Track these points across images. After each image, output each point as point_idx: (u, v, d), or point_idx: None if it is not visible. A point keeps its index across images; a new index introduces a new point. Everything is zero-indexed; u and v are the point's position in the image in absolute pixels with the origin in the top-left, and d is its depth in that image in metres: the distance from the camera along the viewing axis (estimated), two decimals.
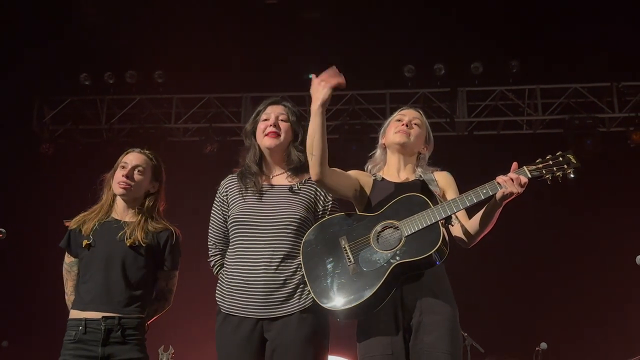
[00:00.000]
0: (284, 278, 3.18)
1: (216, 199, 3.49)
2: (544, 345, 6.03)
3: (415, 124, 3.39)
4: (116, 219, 3.50)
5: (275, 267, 3.19)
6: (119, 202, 3.54)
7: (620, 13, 7.55)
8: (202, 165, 8.37)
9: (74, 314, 3.35)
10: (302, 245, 3.20)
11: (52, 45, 7.73)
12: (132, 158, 3.55)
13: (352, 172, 3.38)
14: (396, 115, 3.48)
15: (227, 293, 3.27)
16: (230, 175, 3.51)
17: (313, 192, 3.38)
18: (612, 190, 7.67)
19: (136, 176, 3.51)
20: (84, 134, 8.98)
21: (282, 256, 3.20)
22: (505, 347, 6.80)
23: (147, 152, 3.64)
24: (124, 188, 3.47)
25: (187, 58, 8.20)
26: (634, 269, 4.06)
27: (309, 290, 3.13)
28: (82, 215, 3.53)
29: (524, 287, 7.83)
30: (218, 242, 3.45)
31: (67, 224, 3.52)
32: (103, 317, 3.27)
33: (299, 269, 3.19)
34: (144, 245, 3.41)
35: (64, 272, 3.52)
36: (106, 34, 7.71)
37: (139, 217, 3.50)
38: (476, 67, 8.35)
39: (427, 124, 3.49)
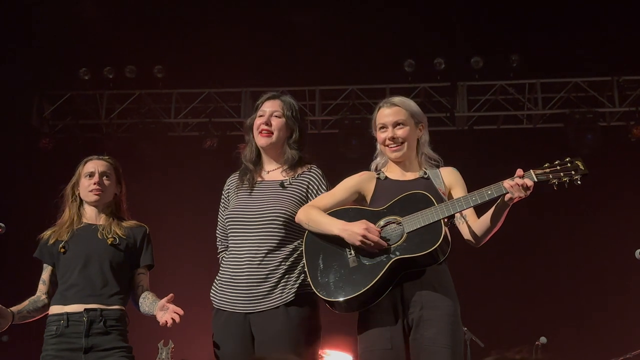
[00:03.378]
0: (267, 272, 3.21)
1: (222, 196, 3.56)
2: (543, 339, 6.03)
3: (399, 125, 3.28)
4: (90, 224, 3.56)
5: (258, 262, 3.22)
6: (89, 210, 3.60)
7: (621, 7, 7.53)
8: (201, 160, 8.37)
9: (55, 309, 3.38)
10: (304, 236, 3.23)
11: (51, 39, 7.71)
12: (96, 166, 3.60)
13: (352, 183, 3.35)
14: (377, 119, 3.35)
15: (218, 288, 3.34)
16: (234, 173, 3.57)
17: (305, 187, 3.40)
18: (612, 184, 7.67)
19: (105, 182, 3.58)
20: (83, 129, 8.96)
21: (266, 251, 3.23)
22: (505, 342, 6.80)
23: (106, 157, 3.71)
24: (97, 194, 3.54)
25: (187, 53, 8.19)
26: (634, 263, 4.06)
27: (292, 283, 3.19)
28: (51, 229, 3.59)
29: (524, 281, 7.84)
30: (223, 239, 3.52)
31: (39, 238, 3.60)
32: (85, 309, 3.31)
33: (282, 263, 3.23)
34: (123, 238, 3.48)
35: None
36: (105, 28, 7.69)
37: (111, 218, 3.58)
38: (476, 61, 8.33)
39: (410, 107, 3.34)
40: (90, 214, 3.59)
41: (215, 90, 8.90)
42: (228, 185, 3.55)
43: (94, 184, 3.53)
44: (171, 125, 9.01)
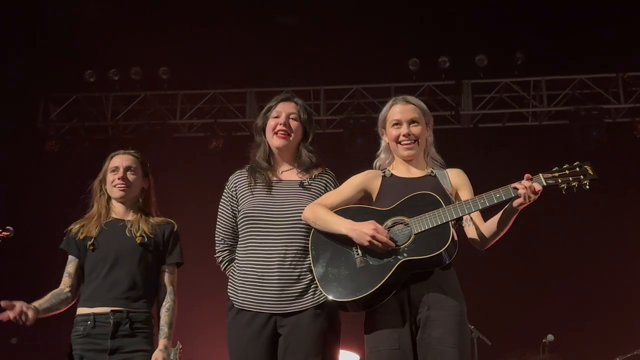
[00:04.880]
0: (298, 273, 3.19)
1: (224, 194, 3.49)
2: (550, 337, 6.03)
3: (414, 123, 3.28)
4: (118, 219, 3.55)
5: (289, 262, 3.19)
6: (117, 205, 3.60)
7: (625, 3, 7.52)
8: (207, 160, 8.40)
9: (82, 310, 3.38)
10: (311, 235, 3.21)
11: (56, 42, 7.74)
12: (121, 160, 3.60)
13: (358, 181, 3.33)
14: (390, 115, 3.34)
15: (239, 288, 3.27)
16: (239, 171, 3.51)
17: (323, 187, 3.39)
18: (618, 181, 7.65)
19: (130, 176, 3.57)
20: (89, 131, 8.99)
21: (295, 251, 3.21)
22: (512, 339, 6.80)
23: (132, 151, 3.70)
24: (122, 190, 3.53)
25: (191, 54, 8.21)
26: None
27: None
28: (79, 222, 3.57)
29: (531, 279, 7.83)
30: (227, 238, 3.45)
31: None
32: (112, 310, 3.31)
33: None
34: (151, 237, 3.46)
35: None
36: (110, 30, 7.72)
37: (139, 214, 3.57)
38: (481, 59, 8.32)
39: (422, 106, 3.36)
40: (118, 210, 3.58)
41: (220, 91, 8.92)
42: (234, 183, 3.46)
43: (118, 179, 3.53)
44: (176, 127, 9.03)
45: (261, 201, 3.32)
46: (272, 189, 3.35)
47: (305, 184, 3.36)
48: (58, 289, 3.49)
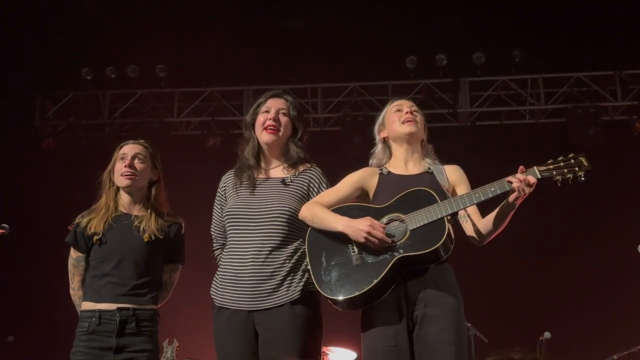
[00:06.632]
0: (272, 270, 3.19)
1: (217, 194, 3.52)
2: (547, 334, 6.03)
3: (415, 111, 3.36)
4: (125, 213, 3.50)
5: (263, 259, 3.20)
6: (124, 196, 3.53)
7: (623, 0, 7.52)
8: (204, 158, 8.38)
9: (87, 305, 3.34)
10: (307, 234, 3.21)
11: (53, 40, 7.72)
12: (129, 148, 3.53)
13: (355, 179, 3.34)
14: (392, 107, 3.42)
15: (219, 286, 3.30)
16: (230, 171, 3.53)
17: (306, 184, 3.38)
18: (615, 179, 7.66)
19: (138, 165, 3.49)
20: (86, 129, 8.97)
21: (270, 248, 3.21)
22: (509, 337, 6.80)
23: (142, 141, 3.62)
24: (129, 178, 3.46)
25: (189, 51, 8.20)
26: (637, 257, 4.05)
27: (297, 281, 3.16)
28: (86, 213, 3.52)
29: (528, 277, 7.83)
30: (219, 237, 3.49)
31: (70, 227, 3.52)
32: (118, 308, 3.28)
33: (287, 260, 3.20)
34: (160, 236, 3.42)
35: (71, 266, 3.51)
36: (107, 28, 7.71)
37: (149, 211, 3.50)
38: (478, 57, 8.31)
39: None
40: (125, 202, 3.51)
41: (218, 89, 8.91)
42: (224, 183, 3.50)
43: (125, 166, 3.45)
44: (174, 124, 9.02)
45: (242, 200, 3.34)
46: (255, 187, 3.36)
47: (287, 180, 3.36)
48: (77, 295, 3.47)
